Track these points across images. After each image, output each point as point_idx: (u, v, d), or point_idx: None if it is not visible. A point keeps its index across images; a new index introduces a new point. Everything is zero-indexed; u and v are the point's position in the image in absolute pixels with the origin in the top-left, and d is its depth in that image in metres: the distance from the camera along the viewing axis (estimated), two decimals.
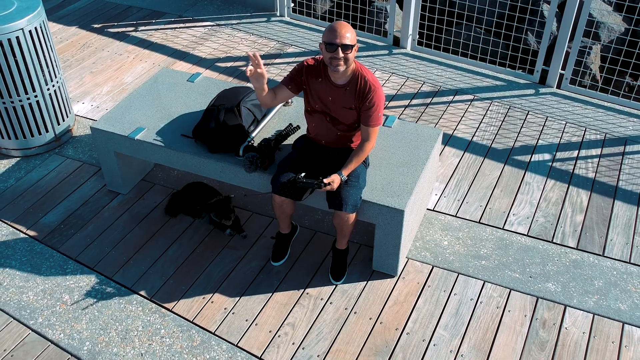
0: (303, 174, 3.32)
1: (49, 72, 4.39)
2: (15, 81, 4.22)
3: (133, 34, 6.19)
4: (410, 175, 3.54)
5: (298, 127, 3.81)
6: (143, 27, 6.29)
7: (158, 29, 6.26)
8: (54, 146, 4.63)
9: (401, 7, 5.81)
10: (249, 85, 4.69)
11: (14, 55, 4.13)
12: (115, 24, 6.37)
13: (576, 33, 4.99)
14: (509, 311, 3.45)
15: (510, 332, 3.34)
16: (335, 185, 3.24)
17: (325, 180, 3.21)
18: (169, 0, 6.82)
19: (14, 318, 3.43)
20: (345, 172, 3.28)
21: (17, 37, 4.09)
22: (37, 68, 4.28)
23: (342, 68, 3.15)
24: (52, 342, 3.30)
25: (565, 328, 3.35)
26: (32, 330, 3.37)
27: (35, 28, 4.18)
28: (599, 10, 6.52)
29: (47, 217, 4.07)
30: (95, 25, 6.32)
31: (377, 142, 3.74)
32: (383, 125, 3.94)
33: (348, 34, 3.09)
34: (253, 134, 3.74)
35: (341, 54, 3.09)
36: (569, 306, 3.47)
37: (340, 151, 3.45)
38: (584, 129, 4.86)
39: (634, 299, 3.51)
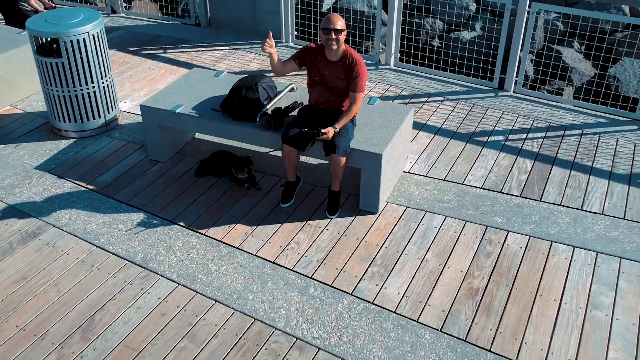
0: (306, 128, 4.43)
1: (104, 69, 5.55)
2: (79, 74, 5.38)
3: (162, 54, 7.42)
4: (387, 133, 4.65)
5: (302, 103, 4.94)
6: (170, 50, 7.53)
7: (183, 51, 7.50)
8: (103, 130, 5.75)
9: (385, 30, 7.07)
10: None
11: (80, 53, 5.30)
12: (147, 47, 7.61)
13: (524, 48, 6.21)
14: (464, 234, 4.48)
15: (464, 247, 4.37)
16: (330, 135, 4.35)
17: (322, 130, 4.32)
18: (191, 30, 8.10)
19: (82, 239, 4.45)
20: (338, 126, 4.39)
21: (84, 39, 5.27)
22: (96, 64, 5.45)
23: (335, 46, 4.32)
24: (112, 253, 4.32)
25: (507, 245, 4.39)
26: (97, 246, 4.38)
27: (96, 33, 5.38)
28: (571, 58, 7.82)
29: (101, 177, 5.14)
30: (131, 49, 7.56)
31: (363, 112, 4.86)
32: (368, 103, 5.07)
33: (339, 22, 4.28)
34: (267, 106, 4.87)
35: (334, 36, 4.26)
36: (511, 231, 4.51)
37: (334, 112, 4.57)
38: (533, 119, 6.01)
39: (561, 227, 4.55)
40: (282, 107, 4.82)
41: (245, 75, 5.17)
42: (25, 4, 7.33)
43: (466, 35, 8.45)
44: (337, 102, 4.58)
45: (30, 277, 4.11)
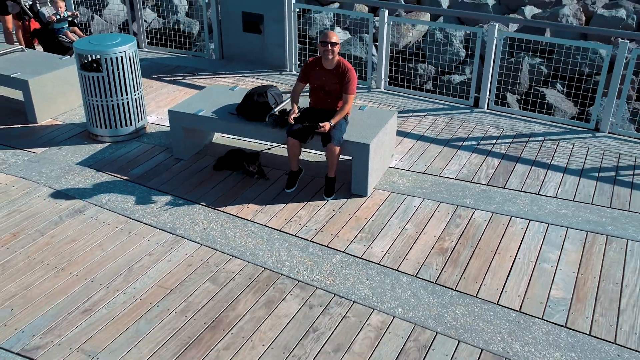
0: (307, 123, 5.39)
1: (136, 83, 6.57)
2: (116, 86, 6.39)
3: (181, 80, 8.48)
4: (374, 130, 5.61)
5: (303, 108, 5.92)
6: (189, 77, 8.59)
7: (200, 78, 8.56)
8: (134, 136, 6.71)
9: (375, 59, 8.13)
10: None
11: (117, 68, 6.33)
12: (168, 75, 8.68)
13: (494, 70, 7.25)
14: (438, 211, 5.38)
15: (437, 220, 5.26)
16: (327, 128, 5.31)
17: (320, 124, 5.28)
18: (206, 62, 9.19)
19: (120, 214, 5.35)
20: (333, 121, 5.35)
21: (121, 57, 6.31)
22: (130, 79, 6.47)
23: (330, 56, 5.33)
24: (146, 224, 5.21)
25: (474, 218, 5.28)
26: (132, 219, 5.28)
27: (131, 53, 6.42)
28: (554, 98, 8.86)
29: (133, 171, 6.07)
30: (154, 76, 8.62)
31: (355, 115, 5.83)
32: (359, 109, 6.06)
33: (334, 37, 5.31)
34: (275, 110, 5.85)
35: (330, 47, 5.28)
36: (477, 209, 5.41)
37: (330, 111, 5.53)
38: (502, 129, 6.98)
39: (520, 206, 5.45)
40: (287, 110, 5.80)
41: (257, 86, 6.17)
42: (64, 37, 8.43)
43: (457, 78, 9.51)
44: (332, 103, 5.55)
45: (78, 240, 5.00)
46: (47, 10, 8.54)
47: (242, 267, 4.65)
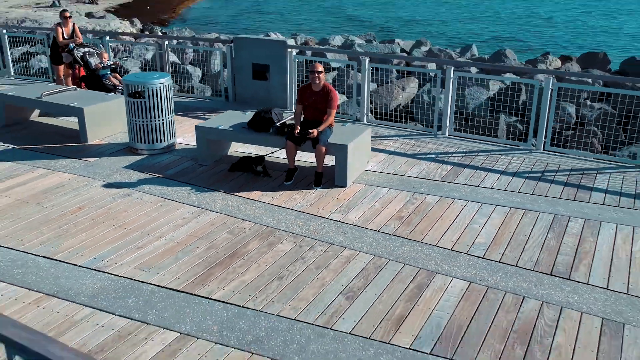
0: (301, 130, 7.22)
1: (169, 109, 8.45)
2: (154, 110, 8.26)
3: (202, 115, 10.38)
4: (352, 137, 7.42)
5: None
6: (208, 113, 10.49)
7: (217, 114, 10.43)
8: (166, 150, 8.52)
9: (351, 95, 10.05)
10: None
11: (156, 96, 8.23)
12: (190, 112, 10.58)
13: (451, 105, 9.14)
14: (399, 196, 7.09)
15: (398, 201, 6.96)
16: (315, 134, 7.12)
17: (310, 131, 7.10)
18: (222, 103, 11.12)
19: (158, 196, 7.08)
20: (320, 128, 7.18)
21: (160, 87, 8.22)
22: (165, 105, 8.35)
23: (317, 81, 7.21)
24: (179, 202, 6.93)
25: (425, 200, 6.98)
26: (169, 199, 7.01)
27: (167, 85, 8.34)
28: (503, 123, 10.78)
29: (167, 172, 7.84)
30: (179, 112, 10.52)
31: (338, 130, 7.65)
32: (342, 126, 7.89)
33: (319, 67, 7.22)
34: (277, 123, 7.68)
35: (317, 75, 7.18)
36: (429, 194, 7.12)
37: (318, 122, 7.35)
38: (457, 147, 8.78)
39: (462, 193, 7.16)
40: (286, 123, 7.63)
41: (264, 107, 8.05)
42: (107, 81, 10.42)
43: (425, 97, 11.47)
44: (320, 116, 7.38)
45: (129, 210, 6.72)
46: (93, 60, 10.57)
47: (251, 226, 6.34)
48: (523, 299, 5.08)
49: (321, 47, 22.53)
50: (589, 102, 12.90)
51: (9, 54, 12.74)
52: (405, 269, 5.53)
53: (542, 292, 5.18)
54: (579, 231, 6.27)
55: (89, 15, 35.94)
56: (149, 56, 16.55)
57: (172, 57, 15.28)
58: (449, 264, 5.61)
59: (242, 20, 53.44)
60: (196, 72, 15.31)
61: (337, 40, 28.08)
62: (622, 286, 5.31)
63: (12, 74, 12.91)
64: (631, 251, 5.89)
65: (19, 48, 15.20)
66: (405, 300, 5.06)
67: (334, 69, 15.11)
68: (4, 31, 12.86)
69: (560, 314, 4.90)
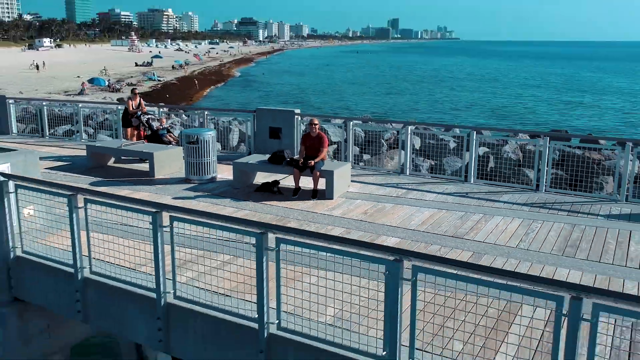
0: (303, 161, 11.13)
1: (213, 151, 12.36)
2: (204, 152, 12.18)
3: (231, 161, 14.29)
4: (336, 167, 11.29)
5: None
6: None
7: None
8: (210, 180, 12.37)
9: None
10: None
11: (205, 143, 12.17)
12: (224, 161, 14.50)
13: (407, 152, 13.07)
14: (367, 204, 10.86)
15: (365, 206, 10.72)
16: (313, 164, 11.02)
17: (309, 161, 11.01)
18: (246, 155, 15.05)
19: (211, 204, 10.86)
20: (316, 160, 11.08)
21: (208, 137, 12.19)
22: (210, 149, 12.28)
23: (315, 130, 11.20)
24: (224, 205, 10.71)
25: (385, 206, 10.75)
26: (216, 204, 10.79)
27: (212, 135, 12.31)
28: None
29: (213, 192, 11.65)
30: (220, 155, 14.45)
31: (327, 162, 11.53)
32: (330, 160, 11.76)
33: (316, 121, 11.23)
34: (287, 158, 11.57)
35: (314, 126, 11.17)
36: (389, 203, 10.90)
37: (315, 156, 11.25)
38: (413, 180, 12.60)
39: (412, 201, 10.94)
40: (293, 158, 11.53)
41: (278, 149, 11.98)
42: (165, 138, 14.42)
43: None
44: (316, 153, 11.27)
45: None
46: (155, 124, 14.62)
47: (270, 216, 10.09)
48: (431, 245, 8.75)
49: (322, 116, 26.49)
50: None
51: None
52: (364, 236, 9.21)
53: (440, 243, 8.84)
54: (477, 219, 9.98)
55: (120, 100, 40.81)
56: (190, 123, 20.72)
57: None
58: (391, 233, 9.30)
59: (251, 104, 58.74)
60: (234, 137, 19.45)
61: (338, 120, 32.33)
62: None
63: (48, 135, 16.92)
64: (504, 229, 9.58)
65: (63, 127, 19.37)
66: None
67: (334, 142, 19.03)
68: (44, 103, 17.04)
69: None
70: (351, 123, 13.85)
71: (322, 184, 11.34)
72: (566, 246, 8.64)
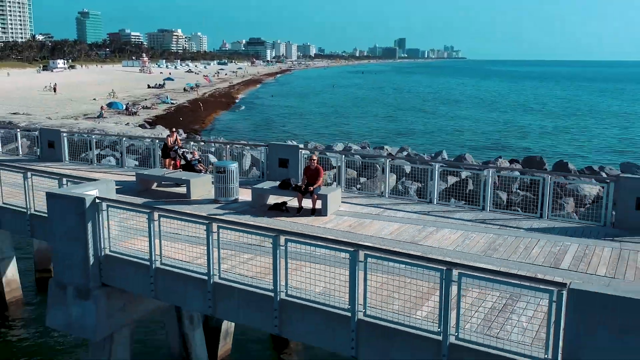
0: (304, 187, 14.91)
1: (237, 178, 16.13)
2: (229, 179, 15.94)
3: (250, 186, 18.09)
4: (330, 191, 15.04)
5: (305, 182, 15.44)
6: (252, 184, 18.20)
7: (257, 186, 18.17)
8: (234, 201, 16.11)
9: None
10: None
11: (231, 172, 15.95)
12: (243, 184, 18.28)
13: (386, 178, 16.80)
14: (353, 219, 14.58)
15: (353, 221, 14.43)
16: (312, 189, 14.80)
17: (309, 187, 14.80)
18: (258, 181, 18.85)
19: (235, 216, 14.62)
20: (314, 187, 14.85)
21: (232, 168, 15.98)
22: (235, 176, 16.05)
23: (314, 164, 15.00)
24: (245, 221, 14.48)
25: (366, 221, 14.46)
26: (242, 222, 14.55)
27: (235, 167, 16.09)
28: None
29: (237, 209, 15.40)
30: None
31: (323, 188, 15.28)
32: (326, 186, 15.51)
33: (314, 156, 15.06)
34: (293, 185, 15.34)
35: (313, 161, 14.98)
36: (370, 220, 14.61)
37: (313, 183, 15.02)
38: (392, 202, 16.33)
39: (391, 216, 14.66)
40: (298, 184, 15.29)
41: (286, 178, 15.77)
42: (197, 167, 18.20)
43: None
44: (314, 180, 15.03)
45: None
46: (189, 155, 18.43)
47: (280, 224, 13.80)
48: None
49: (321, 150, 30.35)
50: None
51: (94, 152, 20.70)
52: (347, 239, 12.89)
53: (399, 246, 12.51)
54: (431, 230, 13.64)
55: (142, 126, 44.84)
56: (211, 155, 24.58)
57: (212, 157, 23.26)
58: (366, 240, 12.97)
59: (259, 130, 62.91)
60: (247, 161, 23.23)
61: (339, 147, 36.38)
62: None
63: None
64: (459, 241, 13.25)
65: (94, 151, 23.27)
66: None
67: (334, 167, 22.87)
68: (93, 137, 20.87)
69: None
70: (343, 157, 17.62)
71: (319, 204, 15.05)
72: (488, 249, 12.30)
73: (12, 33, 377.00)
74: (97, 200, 11.63)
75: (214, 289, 10.44)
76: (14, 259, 19.94)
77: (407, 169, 29.35)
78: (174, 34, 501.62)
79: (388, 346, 8.69)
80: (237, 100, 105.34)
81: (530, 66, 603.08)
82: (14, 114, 55.47)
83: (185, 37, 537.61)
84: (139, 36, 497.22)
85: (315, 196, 14.81)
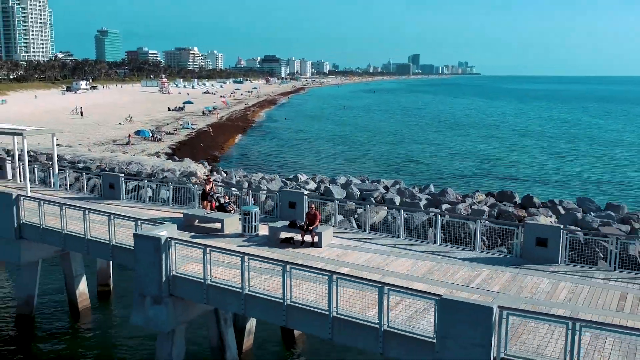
0: (306, 226, 21.09)
1: (258, 218, 22.28)
2: (253, 219, 22.12)
3: (267, 223, 24.27)
4: (324, 230, 21.17)
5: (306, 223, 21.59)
6: (270, 223, 24.37)
7: (274, 223, 24.35)
8: (255, 235, 22.23)
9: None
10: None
11: (254, 215, 22.12)
12: (262, 222, 24.45)
13: (367, 220, 22.89)
14: (341, 250, 20.67)
15: (340, 251, 20.54)
16: (311, 228, 20.96)
17: (309, 227, 20.97)
18: (273, 219, 24.99)
19: (256, 248, 20.77)
20: (313, 226, 21.00)
21: (256, 212, 22.15)
22: (257, 218, 22.22)
23: (312, 211, 21.18)
24: (262, 254, 20.61)
25: (348, 252, 20.54)
26: (260, 249, 20.69)
27: (257, 210, 22.26)
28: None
29: (258, 242, 21.54)
30: (255, 223, 24.42)
31: (320, 227, 21.41)
32: (322, 225, 21.65)
33: (313, 205, 21.24)
34: (298, 225, 21.48)
35: (311, 208, 21.16)
36: (351, 251, 20.70)
37: (312, 223, 21.15)
38: (375, 235, 22.39)
39: (377, 249, 20.75)
40: (302, 224, 21.43)
41: (293, 219, 21.94)
42: (228, 208, 24.39)
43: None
44: (313, 222, 21.15)
45: (249, 249, 20.44)
46: (222, 199, 24.62)
47: (289, 256, 19.89)
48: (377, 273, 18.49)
49: (323, 195, 36.77)
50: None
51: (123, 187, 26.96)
52: (333, 267, 18.94)
53: (366, 270, 18.56)
54: (392, 259, 19.67)
55: (171, 157, 51.28)
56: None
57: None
58: (345, 265, 19.01)
59: (272, 157, 69.51)
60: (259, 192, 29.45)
61: (342, 179, 42.62)
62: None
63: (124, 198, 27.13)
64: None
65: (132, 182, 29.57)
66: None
67: (336, 198, 28.92)
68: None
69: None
70: (336, 202, 23.73)
71: (316, 239, 21.13)
72: (426, 272, 18.30)
73: (34, 51, 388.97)
74: (168, 239, 17.80)
75: (245, 297, 16.52)
76: (84, 276, 26.18)
77: (397, 200, 35.70)
78: (191, 52, 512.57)
79: (352, 332, 14.70)
80: (252, 125, 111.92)
81: (544, 83, 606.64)
82: (58, 145, 61.90)
83: (202, 55, 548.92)
84: (156, 54, 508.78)
85: (314, 233, 20.89)
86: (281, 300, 15.72)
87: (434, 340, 13.15)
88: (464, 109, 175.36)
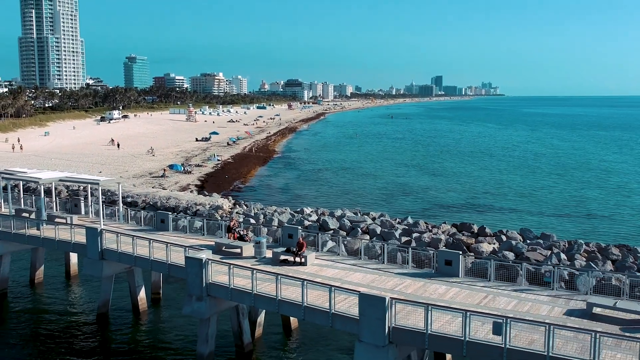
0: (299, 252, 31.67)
1: (265, 246, 32.85)
2: (261, 245, 32.70)
3: (272, 249, 34.82)
4: (308, 254, 31.68)
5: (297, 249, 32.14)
6: (274, 249, 34.94)
7: (276, 249, 34.89)
8: (263, 257, 32.80)
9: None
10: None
11: (263, 244, 32.71)
12: (268, 248, 35.00)
13: (340, 246, 33.31)
14: (329, 268, 31.12)
15: (322, 268, 31.01)
16: (300, 253, 31.51)
17: (299, 252, 31.54)
18: (277, 246, 35.51)
19: (265, 264, 31.32)
20: (301, 251, 31.54)
21: (264, 240, 32.77)
22: (265, 245, 32.80)
23: (300, 240, 31.78)
24: (272, 266, 31.15)
25: (336, 270, 30.98)
26: (268, 265, 31.25)
27: (266, 240, 32.86)
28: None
29: (266, 262, 32.08)
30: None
31: (307, 251, 31.92)
32: (309, 251, 32.15)
33: (301, 239, 31.83)
34: (292, 250, 32.02)
35: (300, 239, 31.74)
36: (340, 269, 31.14)
37: (301, 250, 31.65)
38: (361, 259, 32.80)
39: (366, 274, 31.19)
40: (295, 251, 31.97)
41: (289, 247, 32.54)
42: (246, 238, 35.01)
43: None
44: (301, 249, 31.63)
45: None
46: (242, 232, 35.23)
47: (284, 270, 30.39)
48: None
49: (313, 230, 47.34)
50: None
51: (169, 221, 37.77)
52: (312, 277, 29.35)
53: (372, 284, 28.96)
54: (372, 278, 30.01)
55: (201, 192, 62.20)
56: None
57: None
58: (321, 278, 29.40)
59: (287, 190, 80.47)
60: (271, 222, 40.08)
61: (338, 212, 53.16)
62: None
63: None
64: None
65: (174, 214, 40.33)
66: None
67: (332, 228, 39.35)
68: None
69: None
70: (319, 234, 34.19)
71: (304, 260, 31.50)
72: (370, 282, 28.60)
73: (66, 79, 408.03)
74: (207, 260, 28.47)
75: (255, 296, 26.99)
76: (143, 286, 36.96)
77: (378, 230, 46.02)
78: (216, 77, 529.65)
79: (315, 315, 25.11)
80: (273, 156, 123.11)
81: (566, 106, 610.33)
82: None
83: (226, 80, 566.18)
84: (182, 80, 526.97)
85: (301, 256, 31.36)
86: (275, 297, 26.18)
87: (358, 317, 23.46)
88: (476, 137, 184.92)
